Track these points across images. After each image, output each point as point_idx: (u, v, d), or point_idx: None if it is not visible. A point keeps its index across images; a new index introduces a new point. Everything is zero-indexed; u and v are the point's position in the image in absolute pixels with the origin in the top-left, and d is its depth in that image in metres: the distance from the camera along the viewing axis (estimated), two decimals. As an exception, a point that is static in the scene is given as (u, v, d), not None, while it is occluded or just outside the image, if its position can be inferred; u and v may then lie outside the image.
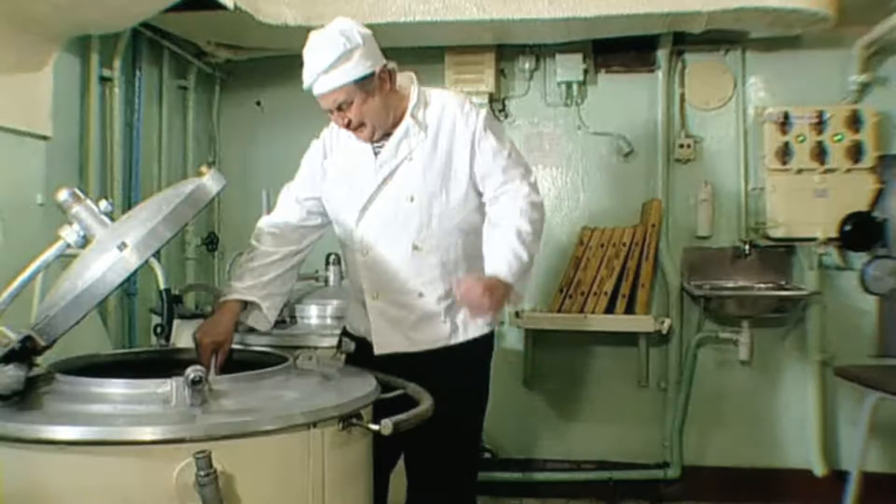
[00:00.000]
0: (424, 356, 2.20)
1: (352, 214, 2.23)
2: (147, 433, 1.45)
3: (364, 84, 2.11)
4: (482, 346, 2.29)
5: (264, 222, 2.35)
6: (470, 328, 2.24)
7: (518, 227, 2.13)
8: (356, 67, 2.08)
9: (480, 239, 2.22)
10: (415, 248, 2.18)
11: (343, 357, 2.26)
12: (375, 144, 2.23)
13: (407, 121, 2.20)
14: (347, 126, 2.16)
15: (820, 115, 3.70)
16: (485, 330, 2.27)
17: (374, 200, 2.21)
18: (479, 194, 2.23)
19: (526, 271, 2.14)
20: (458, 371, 2.20)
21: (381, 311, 2.23)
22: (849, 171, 3.69)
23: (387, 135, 2.22)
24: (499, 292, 2.06)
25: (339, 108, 2.13)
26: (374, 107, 2.14)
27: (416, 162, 2.19)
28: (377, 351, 2.20)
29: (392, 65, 2.19)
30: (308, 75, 2.11)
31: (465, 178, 2.20)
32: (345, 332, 2.42)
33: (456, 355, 2.22)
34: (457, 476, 2.29)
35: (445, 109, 2.22)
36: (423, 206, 2.18)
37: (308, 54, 2.11)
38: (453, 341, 2.22)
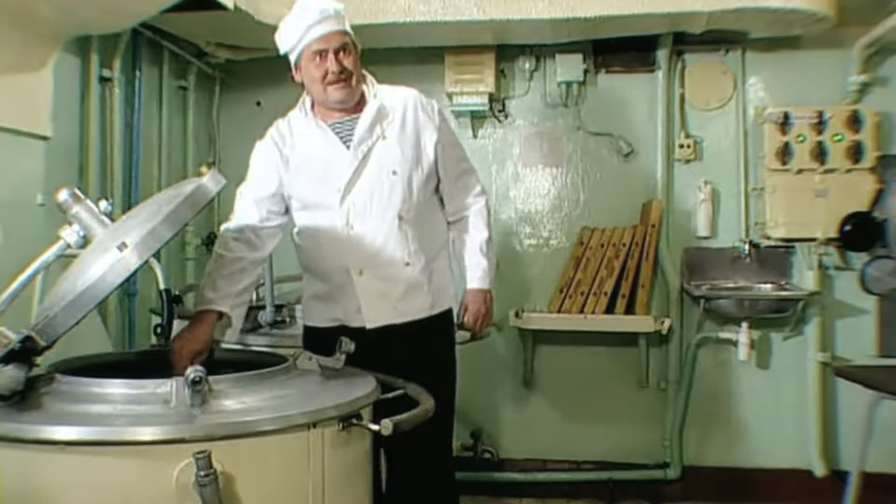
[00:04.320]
0: (405, 329, 2.33)
1: (333, 195, 2.31)
2: (147, 433, 1.45)
3: (353, 40, 2.32)
4: (450, 318, 2.49)
5: (227, 230, 2.35)
6: (443, 299, 2.44)
7: (486, 238, 2.52)
8: (347, 25, 2.33)
9: (439, 218, 2.50)
10: (400, 218, 2.32)
11: (343, 357, 2.27)
12: (339, 130, 2.35)
13: (375, 102, 2.35)
14: (340, 73, 2.27)
15: (820, 115, 3.70)
16: (452, 302, 2.50)
17: (357, 179, 2.31)
18: (438, 175, 2.45)
19: (495, 267, 2.59)
20: (438, 341, 2.42)
21: (369, 286, 2.32)
22: (849, 171, 3.69)
23: (344, 122, 2.34)
24: (490, 301, 2.56)
25: (338, 52, 2.27)
26: (358, 68, 2.32)
27: (390, 140, 2.35)
28: (369, 325, 2.30)
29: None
30: (319, 13, 2.25)
31: (431, 158, 2.40)
32: (306, 331, 2.48)
33: (435, 325, 2.40)
34: (439, 444, 2.42)
35: (408, 97, 2.42)
36: (405, 178, 2.33)
37: (311, 1, 2.27)
38: (433, 311, 2.40)
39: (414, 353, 2.27)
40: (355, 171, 2.30)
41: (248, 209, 2.37)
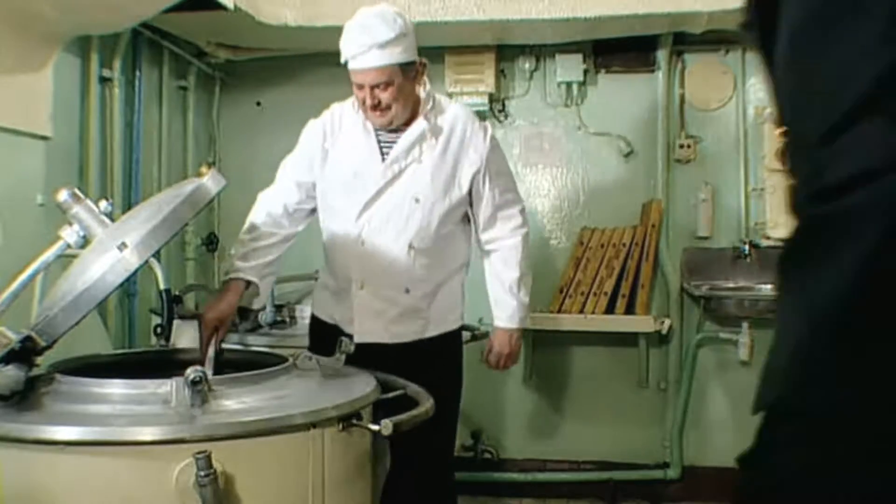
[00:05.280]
0: (398, 348, 2.31)
1: (353, 207, 2.29)
2: (147, 433, 1.45)
3: (407, 70, 2.20)
4: (455, 340, 2.47)
5: (264, 202, 2.37)
6: (445, 322, 2.41)
7: (516, 278, 2.44)
8: (406, 51, 2.18)
9: (460, 243, 2.43)
10: (410, 246, 2.28)
11: (343, 357, 2.27)
12: (382, 139, 2.30)
13: (421, 124, 2.28)
14: (375, 107, 2.20)
15: (820, 115, 3.69)
16: (454, 326, 2.45)
17: (379, 196, 2.28)
18: (470, 204, 2.39)
19: (528, 306, 2.51)
20: (437, 363, 2.35)
21: (366, 302, 2.32)
22: (849, 171, 3.69)
23: (394, 130, 2.29)
24: (516, 341, 2.51)
25: (375, 87, 2.17)
26: (406, 95, 2.23)
27: (425, 165, 2.28)
28: (358, 339, 2.27)
29: (425, 61, 2.29)
30: (358, 46, 2.14)
31: (465, 190, 2.32)
32: (313, 319, 2.48)
33: (430, 348, 2.37)
34: (436, 463, 2.40)
35: (458, 120, 2.32)
36: (427, 208, 2.28)
37: (361, 27, 2.16)
38: (425, 335, 2.37)
39: (407, 372, 2.13)
40: (380, 190, 2.28)
41: (288, 187, 2.38)
